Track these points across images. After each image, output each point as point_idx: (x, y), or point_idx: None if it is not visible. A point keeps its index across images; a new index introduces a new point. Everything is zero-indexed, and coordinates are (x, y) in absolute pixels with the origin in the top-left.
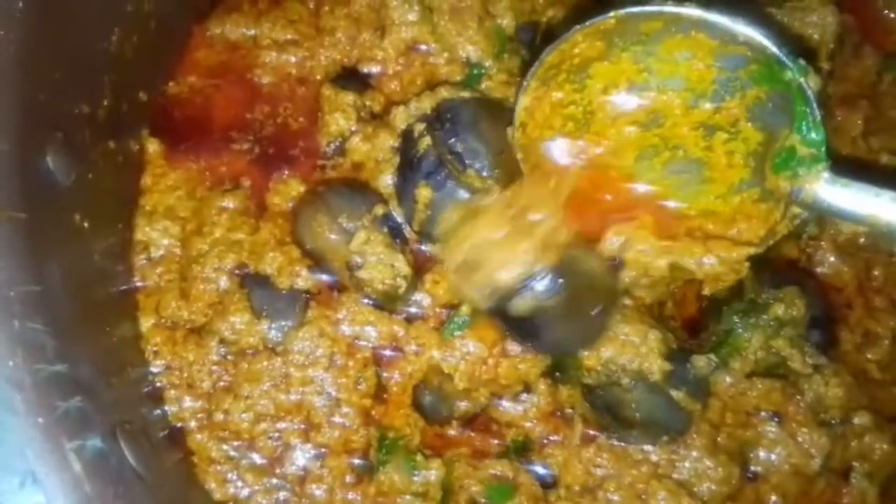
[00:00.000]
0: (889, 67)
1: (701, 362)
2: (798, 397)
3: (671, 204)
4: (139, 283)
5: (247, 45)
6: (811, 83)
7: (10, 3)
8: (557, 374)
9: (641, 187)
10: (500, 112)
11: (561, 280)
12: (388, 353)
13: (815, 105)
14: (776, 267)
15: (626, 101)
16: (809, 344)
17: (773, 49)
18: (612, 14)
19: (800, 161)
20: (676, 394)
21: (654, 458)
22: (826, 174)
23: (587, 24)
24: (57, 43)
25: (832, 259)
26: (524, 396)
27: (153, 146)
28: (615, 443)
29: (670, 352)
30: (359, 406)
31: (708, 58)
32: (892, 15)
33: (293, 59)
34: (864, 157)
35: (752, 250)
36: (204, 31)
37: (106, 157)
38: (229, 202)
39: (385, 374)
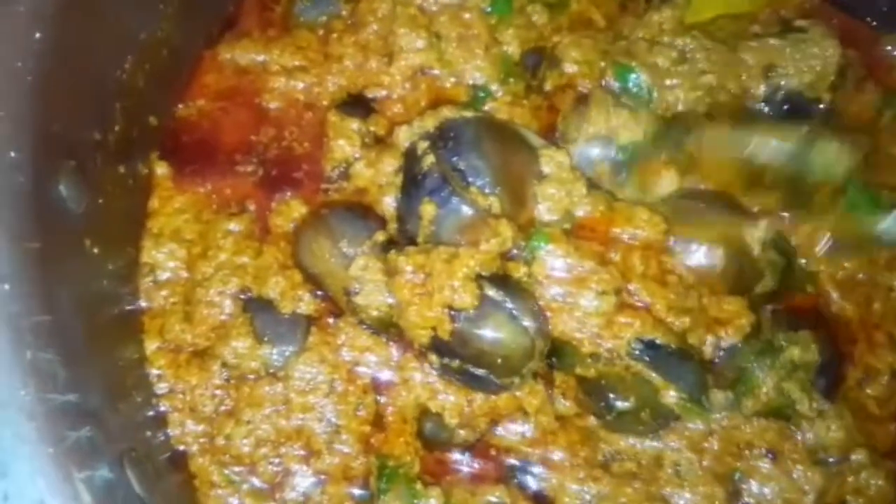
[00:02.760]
0: (890, 104)
1: (719, 397)
2: (798, 435)
3: None
4: (144, 305)
5: (256, 70)
6: None
7: (28, 34)
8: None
9: None
10: (503, 131)
11: None
12: (385, 380)
13: None
14: (792, 306)
15: None
16: (815, 389)
17: None
18: None
19: None
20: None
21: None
22: None
23: None
24: (72, 73)
25: (834, 295)
26: (521, 422)
27: (162, 169)
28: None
29: None
30: (358, 433)
31: None
32: None
33: (301, 85)
34: None
35: None
36: (214, 56)
37: (116, 182)
38: (234, 226)
39: (383, 401)
